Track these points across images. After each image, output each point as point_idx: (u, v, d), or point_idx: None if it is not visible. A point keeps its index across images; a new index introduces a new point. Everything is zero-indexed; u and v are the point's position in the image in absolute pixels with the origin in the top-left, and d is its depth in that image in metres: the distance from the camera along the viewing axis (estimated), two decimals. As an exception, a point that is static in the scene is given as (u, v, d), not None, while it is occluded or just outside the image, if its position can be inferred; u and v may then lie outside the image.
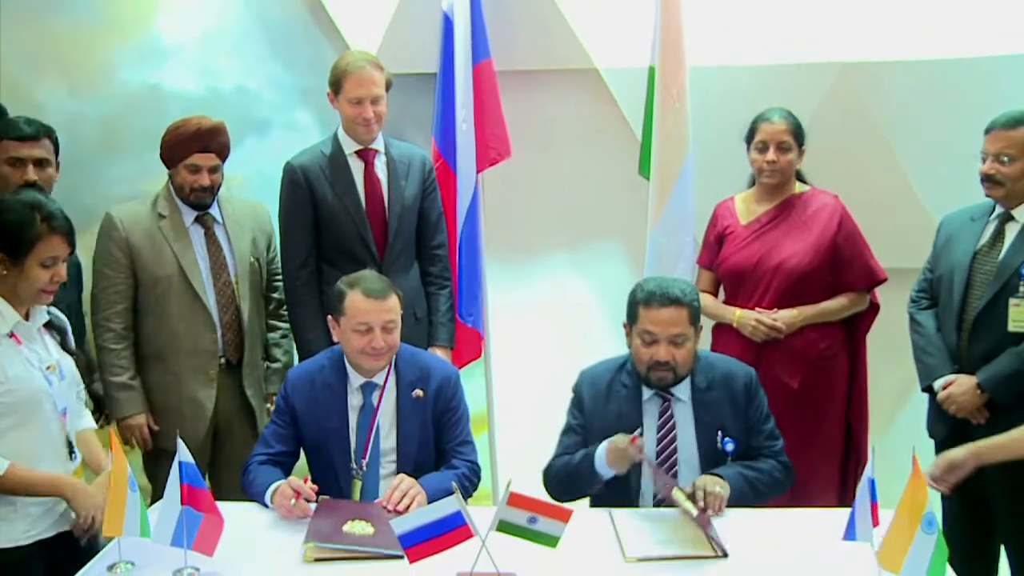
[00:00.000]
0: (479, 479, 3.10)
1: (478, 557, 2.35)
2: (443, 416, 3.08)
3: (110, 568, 2.51)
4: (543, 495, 2.69)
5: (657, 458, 2.96)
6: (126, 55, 4.30)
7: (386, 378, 3.04)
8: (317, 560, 2.53)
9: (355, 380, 3.05)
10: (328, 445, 3.02)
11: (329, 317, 3.08)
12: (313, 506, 2.79)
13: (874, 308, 3.69)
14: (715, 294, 3.77)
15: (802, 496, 3.26)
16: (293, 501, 2.77)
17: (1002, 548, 3.34)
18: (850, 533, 2.41)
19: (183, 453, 2.43)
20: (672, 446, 2.97)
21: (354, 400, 3.04)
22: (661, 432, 2.98)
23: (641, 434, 2.88)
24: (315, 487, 2.83)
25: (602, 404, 3.04)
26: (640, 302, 2.97)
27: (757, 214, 3.64)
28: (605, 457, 2.86)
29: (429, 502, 2.78)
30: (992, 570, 3.40)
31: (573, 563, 2.51)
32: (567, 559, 2.47)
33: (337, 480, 3.01)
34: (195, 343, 3.49)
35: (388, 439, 3.04)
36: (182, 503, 2.43)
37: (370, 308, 2.94)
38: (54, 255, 2.65)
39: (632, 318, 3.01)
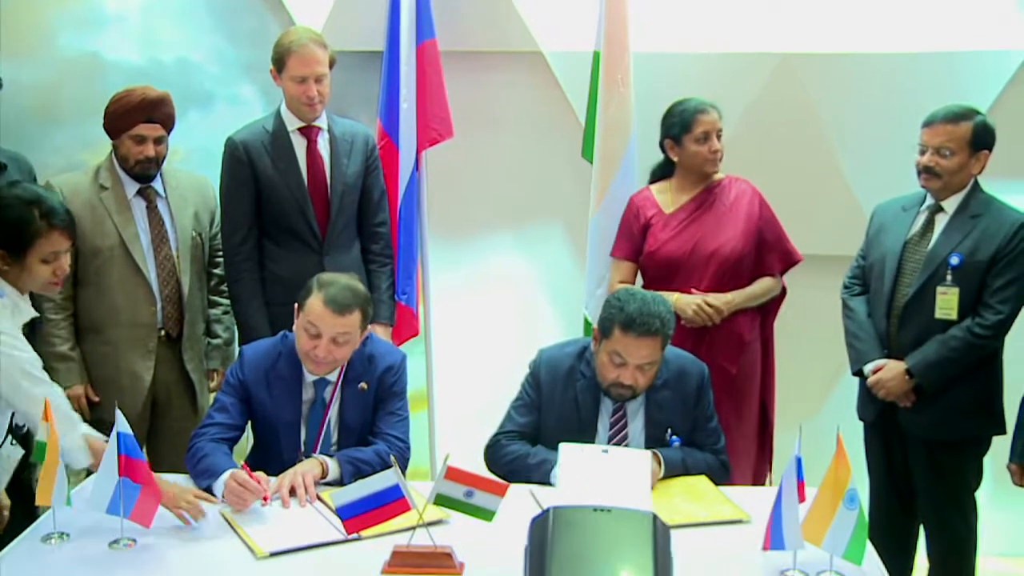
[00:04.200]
0: (404, 455, 3.02)
1: (414, 532, 2.37)
2: (380, 398, 3.07)
3: (44, 539, 2.50)
4: (481, 472, 2.69)
5: None
6: (65, 20, 4.21)
7: (339, 376, 3.02)
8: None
9: (308, 376, 3.00)
10: (279, 436, 3.00)
11: (296, 303, 2.98)
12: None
13: (784, 292, 3.75)
14: (632, 283, 3.71)
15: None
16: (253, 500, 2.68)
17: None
18: (776, 542, 2.32)
19: (121, 424, 2.42)
20: (624, 443, 2.99)
21: (306, 394, 3.02)
22: (614, 429, 3.01)
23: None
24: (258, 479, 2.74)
25: (560, 389, 3.05)
26: (618, 323, 2.88)
27: (681, 203, 3.65)
28: None
29: (340, 464, 2.85)
30: (911, 545, 3.53)
31: (511, 540, 2.52)
32: (503, 536, 2.44)
33: (282, 468, 2.95)
34: (134, 315, 3.47)
35: (336, 434, 3.04)
36: (120, 474, 2.43)
37: (324, 317, 2.86)
38: (55, 250, 2.66)
39: (605, 332, 2.93)
